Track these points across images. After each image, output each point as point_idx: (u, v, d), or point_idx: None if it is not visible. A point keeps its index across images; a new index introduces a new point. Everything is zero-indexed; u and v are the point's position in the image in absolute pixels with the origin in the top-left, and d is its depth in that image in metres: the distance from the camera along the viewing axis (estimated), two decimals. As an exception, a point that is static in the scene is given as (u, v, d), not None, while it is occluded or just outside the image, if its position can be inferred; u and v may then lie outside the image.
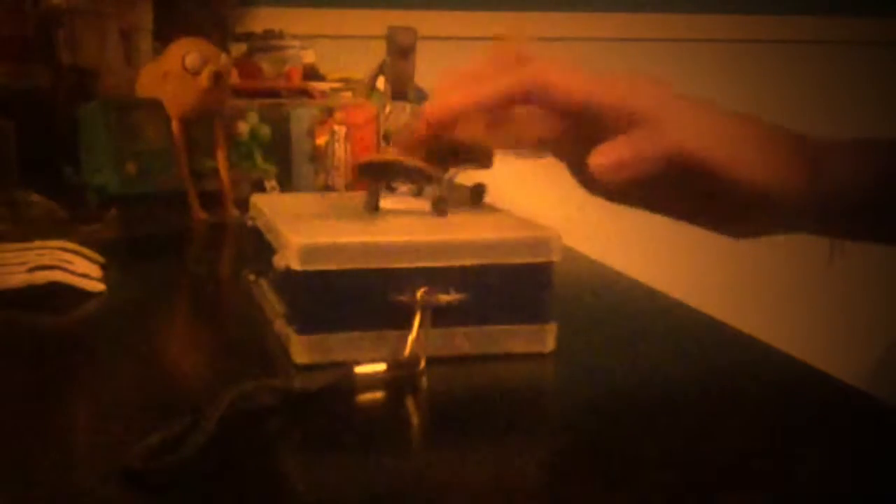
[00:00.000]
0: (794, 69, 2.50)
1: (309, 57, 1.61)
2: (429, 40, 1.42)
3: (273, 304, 0.66)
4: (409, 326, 0.59)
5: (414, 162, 0.65)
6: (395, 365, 0.57)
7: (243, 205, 0.83)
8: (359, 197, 0.72)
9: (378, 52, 1.37)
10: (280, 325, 0.63)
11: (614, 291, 0.83)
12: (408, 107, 1.28)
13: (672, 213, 0.64)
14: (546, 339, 0.63)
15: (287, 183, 1.17)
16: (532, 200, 2.06)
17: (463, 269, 0.60)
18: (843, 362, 1.12)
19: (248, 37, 1.66)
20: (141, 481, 0.44)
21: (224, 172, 1.09)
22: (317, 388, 0.55)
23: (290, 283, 0.60)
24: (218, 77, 1.03)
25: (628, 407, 0.56)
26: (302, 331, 0.59)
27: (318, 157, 1.16)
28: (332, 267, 0.58)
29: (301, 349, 0.59)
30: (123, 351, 0.65)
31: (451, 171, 0.66)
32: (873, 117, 2.52)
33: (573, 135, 0.60)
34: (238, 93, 1.20)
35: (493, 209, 0.72)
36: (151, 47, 1.25)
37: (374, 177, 0.68)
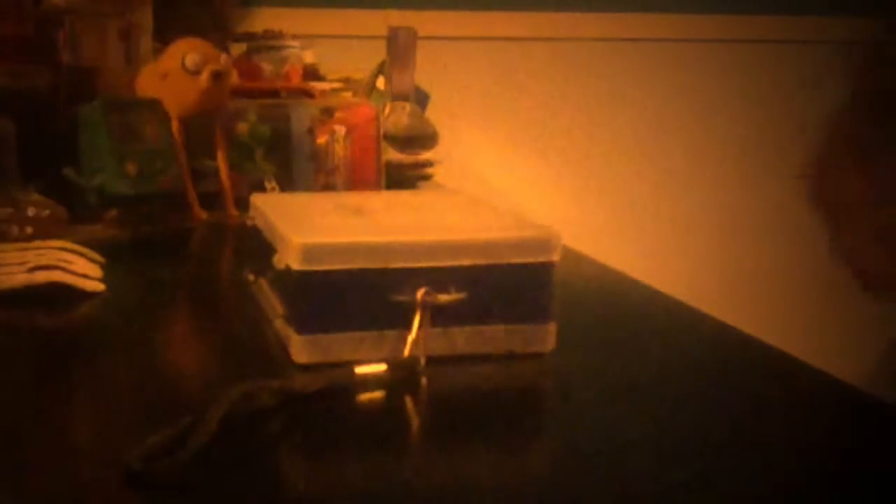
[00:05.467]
0: (794, 69, 2.50)
1: (309, 57, 1.61)
2: (429, 40, 1.43)
3: (273, 304, 0.66)
4: (409, 326, 0.59)
5: None
6: (395, 365, 0.57)
7: (243, 205, 0.83)
8: (359, 197, 0.72)
9: (378, 52, 1.38)
10: (280, 325, 0.63)
11: (614, 291, 0.83)
12: (408, 106, 1.28)
13: None
14: (546, 339, 0.62)
15: (287, 183, 1.17)
16: (532, 200, 2.06)
17: (463, 269, 0.60)
18: (843, 362, 1.12)
19: (248, 37, 1.66)
20: (141, 482, 0.44)
21: (224, 172, 1.09)
22: (317, 388, 0.55)
23: (290, 283, 0.60)
24: (218, 77, 1.03)
25: (628, 406, 0.56)
26: (302, 331, 0.59)
27: (318, 157, 1.16)
28: (332, 267, 0.58)
29: (301, 349, 0.59)
30: (123, 351, 0.65)
31: None
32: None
33: None
34: (238, 93, 1.20)
35: (493, 209, 0.72)
36: (151, 47, 1.25)
37: None
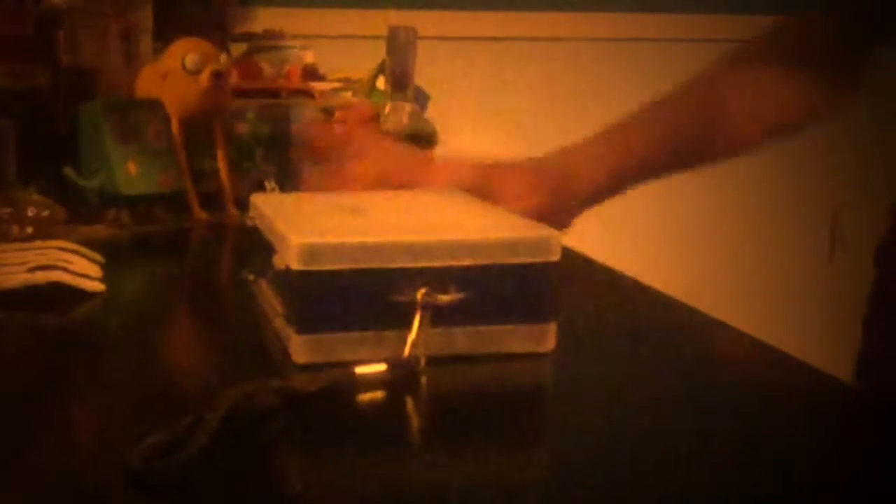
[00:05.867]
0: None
1: (309, 57, 1.61)
2: (429, 40, 1.42)
3: (273, 304, 0.66)
4: (409, 326, 0.59)
5: None
6: (395, 365, 0.57)
7: (243, 205, 0.83)
8: (359, 197, 0.72)
9: (378, 52, 1.38)
10: (280, 325, 0.63)
11: (614, 291, 0.83)
12: (408, 106, 1.29)
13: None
14: (546, 339, 0.62)
15: (287, 183, 1.17)
16: (532, 200, 2.06)
17: (463, 269, 0.60)
18: (842, 362, 1.12)
19: (248, 37, 1.66)
20: (142, 481, 0.44)
21: (224, 172, 1.09)
22: (317, 388, 0.55)
23: (290, 283, 0.60)
24: (218, 77, 1.03)
25: (628, 407, 0.56)
26: (302, 331, 0.59)
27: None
28: (332, 267, 0.58)
29: (301, 349, 0.59)
30: (123, 351, 0.65)
31: None
32: (872, 115, 2.52)
33: None
34: (238, 93, 1.20)
35: (493, 209, 0.72)
36: (151, 47, 1.25)
37: None
